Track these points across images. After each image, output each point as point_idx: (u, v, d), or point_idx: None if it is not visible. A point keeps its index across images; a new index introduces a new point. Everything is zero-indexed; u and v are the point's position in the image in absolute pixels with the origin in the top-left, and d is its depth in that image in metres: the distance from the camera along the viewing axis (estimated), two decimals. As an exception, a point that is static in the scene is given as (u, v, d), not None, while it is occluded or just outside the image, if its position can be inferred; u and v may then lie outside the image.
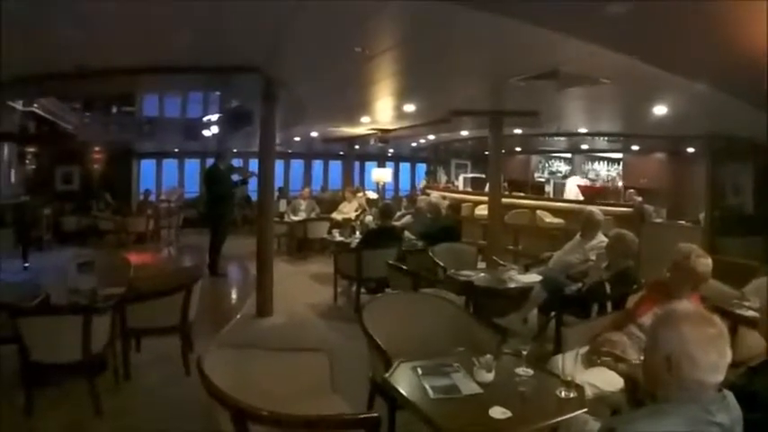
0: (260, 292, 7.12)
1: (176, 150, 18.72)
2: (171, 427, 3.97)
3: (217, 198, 9.60)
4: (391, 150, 20.42)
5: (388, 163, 22.48)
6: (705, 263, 3.36)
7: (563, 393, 2.59)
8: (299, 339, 6.08)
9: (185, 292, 4.93)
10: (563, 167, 18.95)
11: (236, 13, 4.61)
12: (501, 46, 5.35)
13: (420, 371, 2.86)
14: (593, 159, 18.19)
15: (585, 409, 2.53)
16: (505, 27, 4.48)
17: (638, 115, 9.59)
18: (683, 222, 10.49)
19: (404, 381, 2.80)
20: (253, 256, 7.49)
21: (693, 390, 1.73)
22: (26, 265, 10.18)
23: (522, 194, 13.94)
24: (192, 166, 19.43)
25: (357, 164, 20.38)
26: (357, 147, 17.33)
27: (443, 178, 19.48)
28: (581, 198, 14.04)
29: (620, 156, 17.29)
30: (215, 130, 12.87)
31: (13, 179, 12.90)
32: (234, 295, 8.74)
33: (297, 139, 16.50)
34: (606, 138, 14.22)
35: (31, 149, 14.23)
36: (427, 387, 2.69)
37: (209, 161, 11.14)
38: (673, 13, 3.83)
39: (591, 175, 18.08)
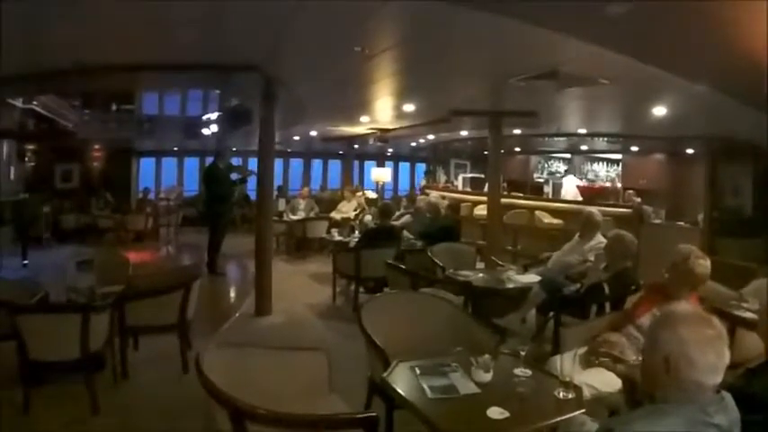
0: (258, 290, 7.11)
1: (176, 149, 18.72)
2: (169, 426, 3.96)
3: (216, 197, 9.61)
4: (390, 150, 20.41)
5: (387, 162, 22.45)
6: (704, 264, 3.36)
7: (561, 394, 2.59)
8: (298, 338, 6.08)
9: (184, 290, 4.93)
10: (562, 168, 18.94)
11: (236, 12, 4.61)
12: (501, 46, 5.35)
13: (418, 370, 2.86)
14: (593, 160, 18.19)
15: (583, 410, 2.53)
16: (505, 27, 4.47)
17: (637, 116, 9.59)
18: (681, 223, 10.49)
19: (402, 380, 2.80)
20: (251, 254, 7.48)
21: (691, 391, 1.73)
22: (25, 262, 10.20)
23: (521, 195, 13.93)
24: (192, 164, 19.43)
25: (356, 163, 20.42)
26: (356, 146, 17.35)
27: (443, 178, 19.47)
28: (579, 197, 14.05)
29: (619, 156, 17.28)
30: (214, 128, 12.88)
31: (12, 176, 12.90)
32: (232, 294, 8.75)
33: (296, 138, 16.49)
34: (605, 138, 14.21)
35: (31, 147, 14.22)
36: (425, 387, 2.69)
37: (209, 160, 11.15)
38: (672, 13, 3.83)
39: (590, 176, 18.09)
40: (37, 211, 12.67)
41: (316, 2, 4.19)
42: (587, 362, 3.23)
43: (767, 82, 4.90)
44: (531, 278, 5.68)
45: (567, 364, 2.69)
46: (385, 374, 2.86)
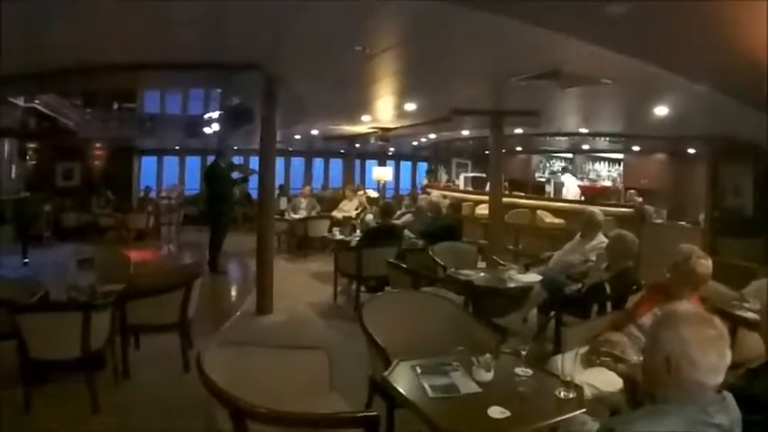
0: (260, 289, 7.11)
1: (177, 147, 18.73)
2: (170, 425, 3.96)
3: (217, 195, 9.62)
4: (392, 149, 20.41)
5: (388, 161, 22.48)
6: (705, 264, 3.36)
7: (562, 393, 2.58)
8: (299, 337, 6.08)
9: (185, 289, 4.92)
10: (568, 167, 18.94)
11: (237, 11, 4.61)
12: (502, 46, 5.36)
13: (419, 370, 2.86)
14: (594, 160, 18.19)
15: (584, 410, 2.53)
16: (506, 27, 4.47)
17: (638, 116, 9.59)
18: (683, 223, 10.48)
19: (403, 379, 2.80)
20: (253, 253, 7.48)
21: (693, 391, 1.73)
22: (26, 261, 10.20)
23: (522, 194, 13.93)
24: (193, 163, 19.44)
25: (358, 162, 20.42)
26: (358, 145, 17.36)
27: (444, 177, 19.46)
28: (579, 197, 14.05)
29: (620, 156, 17.29)
30: (216, 127, 12.91)
31: (13, 175, 12.91)
32: (234, 293, 8.76)
33: (297, 137, 16.48)
34: (607, 138, 14.21)
35: (32, 145, 14.20)
36: (426, 386, 2.69)
37: (210, 158, 11.15)
38: (672, 13, 3.83)
39: (592, 176, 18.09)
40: (38, 210, 12.69)
41: (317, 1, 4.19)
42: (588, 361, 3.22)
43: (767, 82, 4.90)
44: (533, 277, 5.68)
45: (568, 363, 2.68)
46: (386, 373, 2.86)
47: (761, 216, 9.57)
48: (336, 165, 21.61)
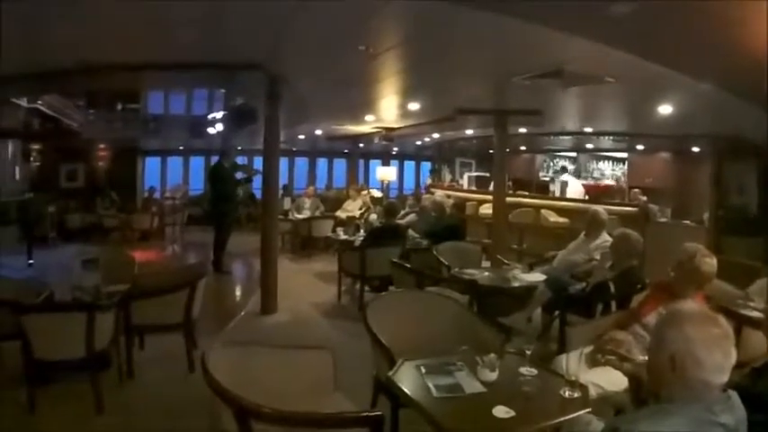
0: (264, 289, 7.11)
1: (181, 148, 18.75)
2: (174, 425, 3.97)
3: (221, 195, 9.64)
4: (396, 149, 20.43)
5: (392, 161, 22.49)
6: (710, 263, 3.35)
7: (567, 393, 2.58)
8: (303, 337, 6.09)
9: (189, 289, 4.92)
10: (569, 167, 18.88)
11: (238, 11, 4.62)
12: (505, 45, 5.35)
13: (423, 369, 2.86)
14: (599, 158, 18.15)
15: (589, 409, 2.52)
16: (509, 26, 4.47)
17: (643, 114, 9.56)
18: (687, 222, 10.44)
19: (407, 379, 2.80)
20: (257, 253, 7.50)
21: (698, 390, 1.73)
22: (30, 261, 10.23)
23: (526, 193, 13.88)
24: (197, 163, 19.49)
25: (361, 162, 20.42)
26: (361, 145, 17.37)
27: (448, 177, 19.43)
28: (582, 196, 14.01)
29: (625, 155, 17.25)
30: (220, 127, 12.94)
31: (17, 176, 12.97)
32: (238, 293, 8.78)
33: (301, 137, 16.50)
34: (611, 137, 14.18)
35: (36, 146, 14.27)
36: (431, 386, 2.69)
37: (214, 158, 11.18)
38: (676, 12, 3.83)
39: (596, 175, 18.05)
40: (42, 211, 12.71)
41: (318, 1, 4.19)
42: (593, 361, 3.21)
43: (768, 81, 4.91)
44: (537, 277, 5.66)
45: (572, 362, 2.68)
46: (390, 373, 2.86)
47: (765, 214, 9.56)
48: (340, 165, 21.61)
